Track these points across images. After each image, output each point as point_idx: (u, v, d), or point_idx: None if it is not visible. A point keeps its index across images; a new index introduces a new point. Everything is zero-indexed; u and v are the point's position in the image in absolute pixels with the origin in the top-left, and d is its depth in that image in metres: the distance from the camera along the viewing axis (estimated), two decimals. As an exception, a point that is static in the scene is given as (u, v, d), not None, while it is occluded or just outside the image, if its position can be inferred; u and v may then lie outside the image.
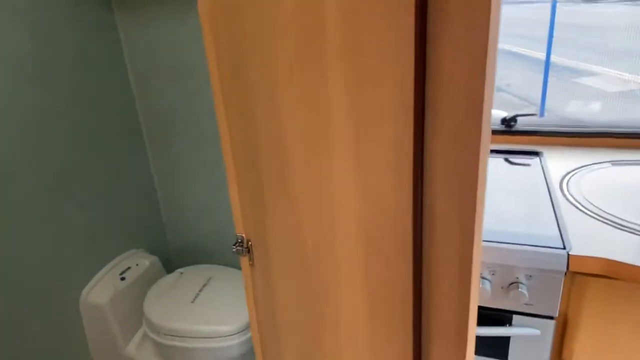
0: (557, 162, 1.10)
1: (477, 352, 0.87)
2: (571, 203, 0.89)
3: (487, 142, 0.47)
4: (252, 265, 0.79)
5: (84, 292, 1.29)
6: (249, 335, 1.25)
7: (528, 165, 1.09)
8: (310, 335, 0.77)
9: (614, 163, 1.06)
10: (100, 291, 1.30)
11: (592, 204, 0.88)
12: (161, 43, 1.39)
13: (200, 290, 1.34)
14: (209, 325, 1.22)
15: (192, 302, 1.29)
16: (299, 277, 0.73)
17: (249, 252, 0.77)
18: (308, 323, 0.76)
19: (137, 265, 1.42)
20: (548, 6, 1.21)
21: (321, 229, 0.65)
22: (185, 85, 1.43)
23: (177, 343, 1.24)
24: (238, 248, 0.76)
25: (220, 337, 1.22)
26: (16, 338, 1.10)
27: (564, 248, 0.73)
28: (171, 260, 1.73)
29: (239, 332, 1.23)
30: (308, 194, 0.64)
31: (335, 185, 0.60)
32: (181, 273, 1.44)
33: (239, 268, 1.49)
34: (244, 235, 0.76)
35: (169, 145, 1.55)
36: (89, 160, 1.31)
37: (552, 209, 0.87)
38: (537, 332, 0.79)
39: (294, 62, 0.56)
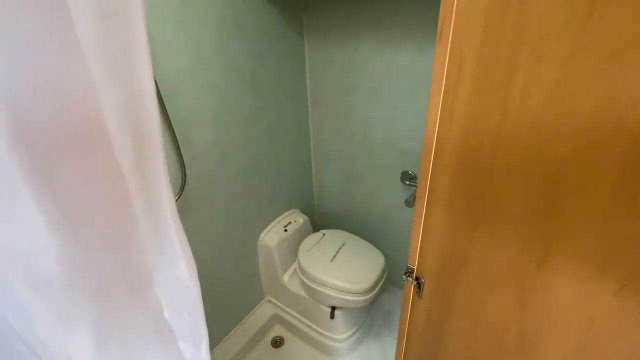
0: None
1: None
2: None
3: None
4: (419, 297, 0.74)
5: (262, 235, 1.82)
6: (370, 295, 1.64)
7: None
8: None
9: None
10: (271, 237, 1.81)
11: None
12: (335, 65, 1.70)
13: (336, 253, 1.75)
14: (342, 282, 1.63)
15: (332, 260, 1.72)
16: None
17: (419, 286, 0.73)
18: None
19: (295, 221, 1.90)
20: None
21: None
22: (346, 100, 1.74)
23: (316, 287, 1.67)
24: (408, 278, 0.74)
25: (349, 292, 1.62)
26: (220, 261, 1.67)
27: None
28: (315, 221, 2.20)
29: (363, 292, 1.62)
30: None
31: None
32: (324, 234, 1.88)
33: (367, 240, 1.87)
34: (415, 268, 0.73)
35: (325, 143, 1.93)
36: (274, 149, 1.75)
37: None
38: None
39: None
